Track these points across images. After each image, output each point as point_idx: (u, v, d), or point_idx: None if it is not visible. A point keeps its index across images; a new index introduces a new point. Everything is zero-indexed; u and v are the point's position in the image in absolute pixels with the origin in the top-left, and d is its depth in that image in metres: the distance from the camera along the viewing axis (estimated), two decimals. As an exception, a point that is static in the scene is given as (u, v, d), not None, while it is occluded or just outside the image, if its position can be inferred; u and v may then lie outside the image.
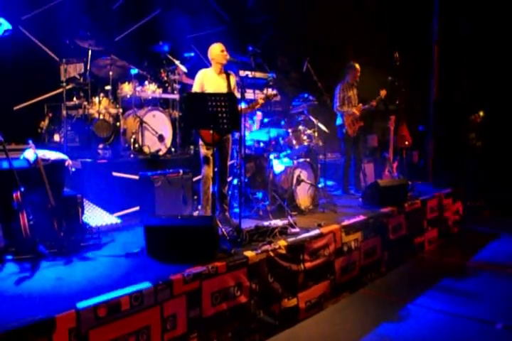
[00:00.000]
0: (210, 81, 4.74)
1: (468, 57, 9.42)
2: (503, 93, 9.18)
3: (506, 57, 9.03)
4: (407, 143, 7.55)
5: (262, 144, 5.95)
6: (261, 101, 4.96)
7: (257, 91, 7.07)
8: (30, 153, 4.04)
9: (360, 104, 6.78)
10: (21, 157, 4.12)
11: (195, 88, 4.75)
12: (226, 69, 4.90)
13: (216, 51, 4.77)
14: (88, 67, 6.11)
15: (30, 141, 4.07)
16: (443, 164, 8.71)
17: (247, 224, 4.36)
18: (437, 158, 8.90)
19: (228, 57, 4.77)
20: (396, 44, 8.04)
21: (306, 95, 6.59)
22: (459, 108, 9.41)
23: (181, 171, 5.26)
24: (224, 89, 4.78)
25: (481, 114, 9.32)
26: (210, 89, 4.68)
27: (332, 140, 7.20)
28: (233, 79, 4.90)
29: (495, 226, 7.29)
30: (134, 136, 5.89)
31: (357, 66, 6.70)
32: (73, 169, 4.43)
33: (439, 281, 5.07)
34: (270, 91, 7.00)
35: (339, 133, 6.80)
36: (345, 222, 4.86)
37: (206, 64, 5.03)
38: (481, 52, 9.26)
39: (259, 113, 6.55)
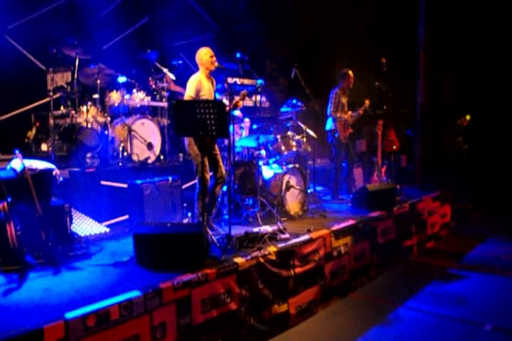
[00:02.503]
0: (204, 86, 4.74)
1: (454, 61, 9.56)
2: (489, 97, 9.31)
3: (493, 61, 9.18)
4: (394, 147, 7.63)
5: (251, 150, 5.98)
6: (241, 103, 5.02)
7: (246, 98, 7.09)
8: (17, 163, 4.02)
9: (350, 111, 6.85)
10: (8, 167, 4.10)
11: (191, 93, 4.67)
12: (210, 75, 4.92)
13: (206, 57, 4.77)
14: (76, 76, 6.10)
15: (17, 151, 4.04)
16: (431, 168, 8.79)
17: (237, 231, 4.35)
18: (425, 162, 8.98)
19: (216, 63, 4.80)
20: (383, 49, 8.14)
21: (294, 101, 6.62)
22: (446, 112, 9.52)
23: (170, 179, 5.26)
24: (212, 95, 4.84)
25: (468, 117, 9.44)
26: (205, 95, 4.71)
27: (321, 145, 7.25)
28: (214, 85, 4.96)
29: (483, 229, 7.37)
30: (122, 145, 5.88)
31: (351, 73, 6.76)
32: (61, 178, 4.42)
33: (428, 284, 5.11)
34: (258, 97, 7.05)
35: (330, 138, 6.83)
36: (335, 227, 4.89)
37: (194, 71, 5.04)
38: (467, 56, 9.40)
39: (246, 119, 6.58)
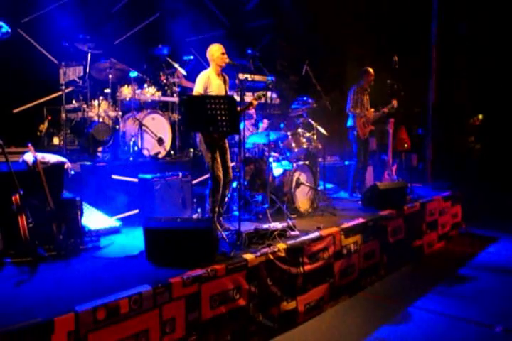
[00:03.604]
0: (213, 83, 4.71)
1: (467, 59, 9.45)
2: (502, 96, 9.21)
3: (505, 59, 9.07)
4: (406, 146, 7.56)
5: (261, 147, 5.96)
6: (255, 103, 4.94)
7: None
8: (29, 156, 4.04)
9: (372, 109, 6.82)
10: (20, 160, 4.12)
11: (199, 89, 4.64)
12: (222, 71, 4.90)
13: (217, 53, 4.74)
14: (87, 70, 6.13)
15: (30, 144, 4.06)
16: (442, 167, 8.72)
17: (247, 227, 4.35)
18: (436, 161, 8.91)
19: (227, 60, 4.78)
20: (395, 47, 8.07)
21: (305, 98, 6.59)
22: (458, 111, 9.43)
23: (180, 174, 5.26)
24: (223, 91, 4.80)
25: (480, 116, 9.35)
26: (213, 91, 4.67)
27: (331, 143, 7.21)
28: (228, 82, 4.91)
29: (494, 229, 7.29)
30: (133, 139, 5.89)
31: (371, 71, 6.75)
32: (72, 172, 4.43)
33: (438, 284, 5.07)
34: (269, 94, 7.02)
35: (350, 135, 6.84)
36: (345, 225, 4.86)
37: (205, 67, 5.03)
38: (480, 54, 9.30)
39: (265, 120, 6.58)
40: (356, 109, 6.69)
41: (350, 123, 6.80)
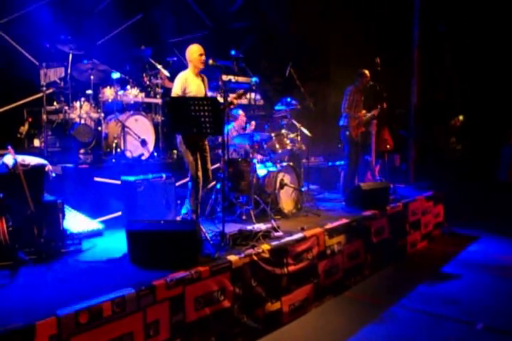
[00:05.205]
0: (191, 84, 4.68)
1: (448, 61, 9.60)
2: (483, 97, 9.37)
3: (487, 61, 9.23)
4: (388, 146, 7.63)
5: (245, 148, 5.97)
6: (236, 102, 4.92)
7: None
8: (9, 158, 3.98)
9: (364, 111, 6.82)
10: (0, 162, 4.06)
11: (177, 91, 4.61)
12: (200, 72, 4.87)
13: (195, 54, 4.69)
14: (69, 71, 6.05)
15: (9, 146, 4.00)
16: (424, 167, 8.83)
17: (231, 228, 4.35)
18: (418, 162, 9.02)
19: (211, 61, 4.75)
20: (377, 49, 8.15)
21: (288, 99, 6.61)
22: (439, 112, 9.56)
23: (164, 176, 5.23)
24: (202, 90, 4.77)
25: (461, 118, 9.49)
26: (192, 92, 4.64)
27: (315, 144, 7.23)
28: (206, 83, 4.89)
29: (475, 228, 7.40)
30: (115, 141, 5.84)
31: (367, 73, 6.71)
32: (54, 174, 4.38)
33: (421, 283, 5.12)
34: (253, 95, 7.04)
35: (342, 134, 6.76)
36: (329, 226, 4.89)
37: (189, 68, 5.01)
38: (461, 56, 9.45)
39: (253, 122, 6.59)
40: (351, 110, 6.66)
41: (343, 122, 6.71)
